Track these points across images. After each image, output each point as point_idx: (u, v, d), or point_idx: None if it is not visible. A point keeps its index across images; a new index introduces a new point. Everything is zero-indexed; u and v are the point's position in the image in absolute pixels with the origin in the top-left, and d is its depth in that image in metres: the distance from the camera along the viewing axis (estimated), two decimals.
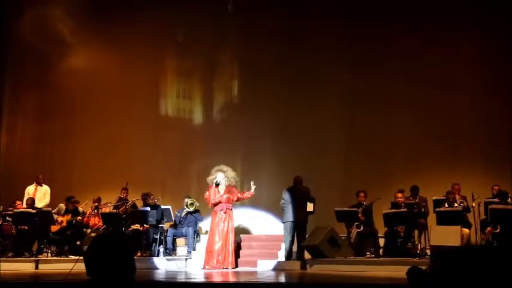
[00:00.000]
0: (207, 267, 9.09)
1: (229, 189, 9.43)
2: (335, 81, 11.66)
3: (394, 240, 9.27)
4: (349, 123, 11.58)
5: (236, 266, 9.32)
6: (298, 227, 9.34)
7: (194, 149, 12.27)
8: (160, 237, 10.06)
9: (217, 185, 9.40)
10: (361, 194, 9.76)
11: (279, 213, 10.18)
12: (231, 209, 9.44)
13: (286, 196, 9.45)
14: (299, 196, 9.41)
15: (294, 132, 11.74)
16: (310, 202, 9.48)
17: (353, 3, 11.73)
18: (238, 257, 9.67)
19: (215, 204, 9.35)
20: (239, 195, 9.51)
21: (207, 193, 9.44)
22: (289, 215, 9.34)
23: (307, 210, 9.51)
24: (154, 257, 9.79)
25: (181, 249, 10.58)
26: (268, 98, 11.90)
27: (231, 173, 9.53)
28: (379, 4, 11.57)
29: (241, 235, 10.50)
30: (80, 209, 10.74)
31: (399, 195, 9.50)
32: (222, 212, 9.29)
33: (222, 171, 9.47)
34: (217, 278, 7.69)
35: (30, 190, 11.18)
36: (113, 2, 12.85)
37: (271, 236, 10.53)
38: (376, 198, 9.65)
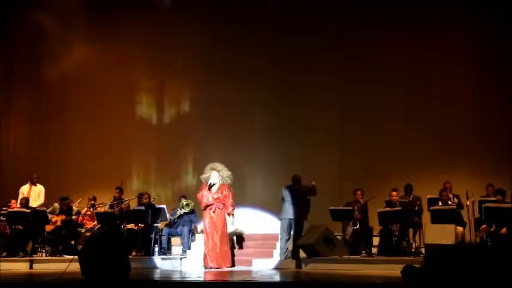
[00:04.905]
0: (202, 266, 9.07)
1: (222, 189, 9.17)
2: (332, 81, 11.67)
3: (388, 238, 9.29)
4: (344, 123, 11.58)
5: (233, 265, 9.28)
6: (296, 226, 9.30)
7: (192, 150, 12.25)
8: (155, 237, 10.03)
9: (210, 186, 9.13)
10: (358, 192, 9.74)
11: (273, 212, 10.19)
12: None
13: (285, 194, 9.41)
14: (298, 195, 9.37)
15: (289, 131, 11.71)
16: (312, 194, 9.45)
17: (348, 10, 11.69)
18: (234, 256, 9.66)
19: (207, 206, 9.14)
20: (230, 201, 9.12)
21: (200, 193, 9.24)
22: (287, 213, 9.30)
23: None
24: (149, 256, 9.76)
25: (177, 248, 10.54)
26: (264, 96, 11.90)
27: (226, 172, 9.24)
28: (375, 11, 11.53)
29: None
30: (75, 208, 10.71)
31: (394, 193, 9.51)
32: (211, 212, 9.08)
33: (216, 170, 9.18)
34: (212, 277, 7.70)
35: (24, 190, 11.13)
36: (111, 6, 12.78)
37: (266, 235, 10.51)
38: (371, 197, 9.66)
